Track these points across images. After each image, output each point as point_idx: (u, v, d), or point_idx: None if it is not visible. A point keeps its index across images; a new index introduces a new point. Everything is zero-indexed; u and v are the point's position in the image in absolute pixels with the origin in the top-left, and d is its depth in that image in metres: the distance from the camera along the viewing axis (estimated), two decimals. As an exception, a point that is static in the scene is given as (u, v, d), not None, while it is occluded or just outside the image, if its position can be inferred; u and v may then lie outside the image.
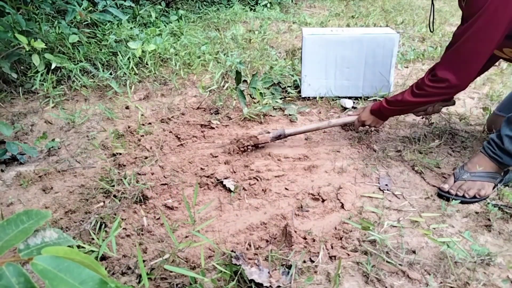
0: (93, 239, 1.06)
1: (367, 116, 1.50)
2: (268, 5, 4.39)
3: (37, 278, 0.92)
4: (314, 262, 0.98)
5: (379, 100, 1.94)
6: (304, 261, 0.98)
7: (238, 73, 1.76)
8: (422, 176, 1.35)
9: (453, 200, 1.17)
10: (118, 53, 2.35)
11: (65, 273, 0.33)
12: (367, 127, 1.55)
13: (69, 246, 0.39)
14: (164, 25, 3.09)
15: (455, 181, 1.23)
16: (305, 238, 1.06)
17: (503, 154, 1.19)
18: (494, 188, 1.23)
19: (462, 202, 1.19)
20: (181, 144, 1.60)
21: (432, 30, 1.50)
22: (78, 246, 1.01)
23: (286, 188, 1.30)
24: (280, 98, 1.98)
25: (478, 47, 1.14)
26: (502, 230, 1.08)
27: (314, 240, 1.05)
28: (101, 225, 1.12)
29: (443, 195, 1.22)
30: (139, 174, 1.36)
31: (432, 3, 1.45)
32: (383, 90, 1.95)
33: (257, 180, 1.34)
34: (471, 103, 1.92)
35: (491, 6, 1.07)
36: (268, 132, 1.53)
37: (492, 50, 1.15)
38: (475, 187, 1.20)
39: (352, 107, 1.92)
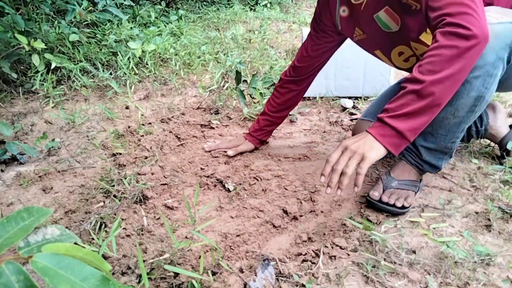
0: (93, 239, 1.06)
1: (357, 139, 0.92)
2: (268, 5, 4.39)
3: (38, 277, 0.92)
4: (314, 262, 0.98)
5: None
6: (304, 261, 0.98)
7: (238, 73, 1.76)
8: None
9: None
10: (118, 53, 2.35)
11: (65, 270, 0.33)
12: (342, 165, 0.90)
13: (75, 243, 0.39)
14: (164, 25, 3.09)
15: (384, 189, 1.17)
16: (306, 240, 1.06)
17: (423, 163, 1.16)
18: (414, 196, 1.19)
19: (390, 213, 1.14)
20: (181, 144, 1.60)
21: None
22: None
23: (285, 188, 1.30)
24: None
25: None
26: (502, 230, 1.08)
27: (314, 240, 1.05)
28: (101, 225, 1.12)
29: (373, 203, 1.15)
30: (139, 174, 1.36)
31: None
32: (383, 90, 1.95)
33: (257, 180, 1.34)
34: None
35: None
36: None
37: None
38: (403, 196, 1.15)
39: (353, 107, 1.92)
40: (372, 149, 0.88)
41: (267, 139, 1.56)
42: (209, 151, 1.51)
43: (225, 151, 1.49)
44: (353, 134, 1.54)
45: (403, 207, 1.14)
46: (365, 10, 1.10)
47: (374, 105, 1.44)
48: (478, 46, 0.82)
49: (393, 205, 1.13)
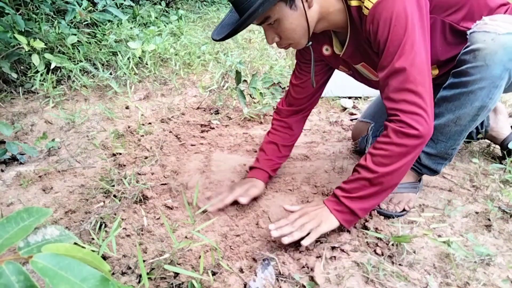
0: (93, 239, 1.06)
1: (313, 209, 0.99)
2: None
3: (38, 277, 0.92)
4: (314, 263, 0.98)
5: None
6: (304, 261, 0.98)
7: (238, 73, 1.76)
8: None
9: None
10: (118, 53, 2.35)
11: (65, 270, 0.33)
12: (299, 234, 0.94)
13: (74, 243, 0.38)
14: (164, 25, 3.09)
15: None
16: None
17: (422, 167, 1.15)
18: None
19: (390, 217, 1.13)
20: (181, 144, 1.60)
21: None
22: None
23: (287, 188, 1.30)
24: (280, 98, 1.98)
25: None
26: (502, 230, 1.08)
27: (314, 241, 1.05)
28: (101, 225, 1.12)
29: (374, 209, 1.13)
30: (139, 174, 1.36)
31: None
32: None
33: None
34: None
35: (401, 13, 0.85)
36: None
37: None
38: (404, 199, 1.15)
39: (352, 107, 1.92)
40: (327, 221, 0.96)
41: (275, 174, 1.31)
42: (218, 210, 1.17)
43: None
44: (352, 135, 1.53)
45: (404, 210, 1.14)
46: (345, 58, 1.11)
47: (373, 106, 1.44)
48: (424, 143, 0.91)
49: (393, 210, 1.13)
